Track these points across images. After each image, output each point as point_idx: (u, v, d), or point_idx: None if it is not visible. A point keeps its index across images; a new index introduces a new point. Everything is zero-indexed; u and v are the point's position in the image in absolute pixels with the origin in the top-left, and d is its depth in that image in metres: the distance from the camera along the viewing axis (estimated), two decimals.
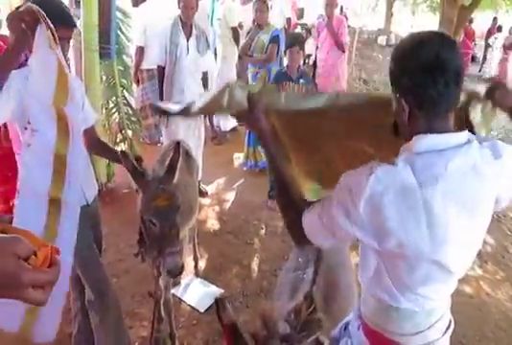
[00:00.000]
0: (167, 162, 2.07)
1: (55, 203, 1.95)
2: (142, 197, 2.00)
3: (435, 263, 1.23)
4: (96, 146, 2.39)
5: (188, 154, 2.94)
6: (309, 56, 6.05)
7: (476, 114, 1.54)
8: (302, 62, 5.46)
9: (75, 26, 2.04)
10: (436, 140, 1.18)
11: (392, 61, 1.26)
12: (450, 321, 1.44)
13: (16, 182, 4.04)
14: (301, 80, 4.06)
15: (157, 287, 2.44)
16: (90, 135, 2.31)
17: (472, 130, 1.42)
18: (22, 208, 1.96)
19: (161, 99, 4.18)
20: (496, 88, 1.48)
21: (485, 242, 4.02)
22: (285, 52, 4.47)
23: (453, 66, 1.17)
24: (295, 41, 4.14)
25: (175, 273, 1.96)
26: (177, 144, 2.14)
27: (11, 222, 3.89)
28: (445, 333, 1.40)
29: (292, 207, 1.40)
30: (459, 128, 1.25)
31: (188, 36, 3.95)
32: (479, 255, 3.84)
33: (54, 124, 1.88)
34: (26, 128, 1.91)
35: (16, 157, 2.19)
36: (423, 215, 1.14)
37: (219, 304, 1.32)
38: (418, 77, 1.17)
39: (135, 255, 2.36)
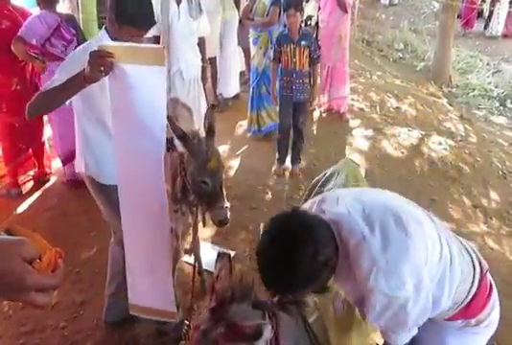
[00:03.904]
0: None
1: None
2: (193, 160, 2.11)
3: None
4: None
5: (188, 107, 2.98)
6: (310, 17, 5.92)
7: None
8: (304, 24, 5.33)
9: (148, 27, 2.17)
10: None
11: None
12: None
13: (27, 155, 4.14)
14: (302, 42, 3.99)
15: (177, 245, 2.67)
16: None
17: None
18: None
19: None
20: None
21: (490, 199, 4.04)
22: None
23: None
24: (291, 3, 4.03)
25: (225, 223, 2.17)
26: (212, 105, 2.22)
27: (19, 195, 4.00)
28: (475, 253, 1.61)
29: None
30: None
31: (178, 1, 3.79)
32: (484, 212, 3.86)
33: None
34: None
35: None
36: None
37: (218, 257, 1.36)
38: None
39: (175, 211, 2.52)
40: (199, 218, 2.48)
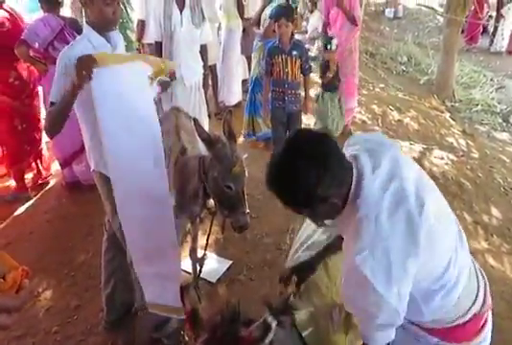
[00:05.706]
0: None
1: None
2: (217, 165, 2.11)
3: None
4: None
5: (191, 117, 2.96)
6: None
7: None
8: (324, 48, 5.29)
9: None
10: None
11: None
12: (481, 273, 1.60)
13: (32, 157, 4.15)
14: (294, 52, 3.92)
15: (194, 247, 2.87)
16: None
17: None
18: None
19: None
20: None
21: (491, 215, 3.99)
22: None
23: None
24: (281, 13, 3.93)
25: (245, 229, 2.17)
26: (229, 111, 2.23)
27: (27, 200, 4.00)
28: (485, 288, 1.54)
29: None
30: None
31: (181, 8, 3.76)
32: (485, 228, 3.81)
33: None
34: None
35: None
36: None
37: (183, 291, 1.31)
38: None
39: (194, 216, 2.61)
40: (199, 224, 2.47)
